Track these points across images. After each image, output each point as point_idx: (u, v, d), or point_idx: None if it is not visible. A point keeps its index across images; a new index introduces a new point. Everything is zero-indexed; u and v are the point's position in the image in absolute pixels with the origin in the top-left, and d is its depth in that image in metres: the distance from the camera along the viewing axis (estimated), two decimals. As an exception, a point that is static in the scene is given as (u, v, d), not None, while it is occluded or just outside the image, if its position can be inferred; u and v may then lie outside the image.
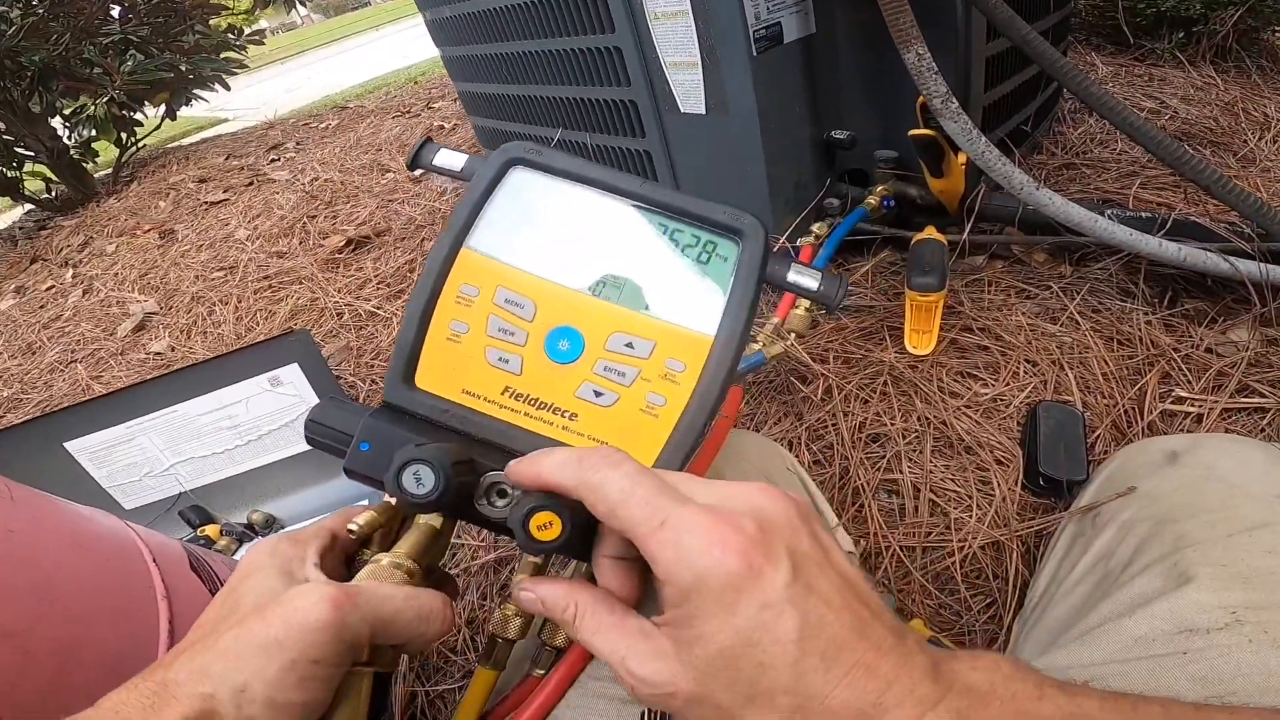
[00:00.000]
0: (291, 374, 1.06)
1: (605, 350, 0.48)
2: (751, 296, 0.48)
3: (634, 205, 0.50)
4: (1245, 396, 0.88)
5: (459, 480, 0.41)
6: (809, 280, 0.52)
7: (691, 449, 0.47)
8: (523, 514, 0.39)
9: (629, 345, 0.48)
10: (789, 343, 0.87)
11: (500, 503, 0.45)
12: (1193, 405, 0.88)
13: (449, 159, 0.56)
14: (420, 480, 0.40)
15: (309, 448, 0.48)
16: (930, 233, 1.05)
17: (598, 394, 0.48)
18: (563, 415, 0.48)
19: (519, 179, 0.50)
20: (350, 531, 0.46)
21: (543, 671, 0.51)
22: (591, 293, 0.49)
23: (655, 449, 0.47)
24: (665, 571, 0.32)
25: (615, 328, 0.48)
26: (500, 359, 0.48)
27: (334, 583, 0.37)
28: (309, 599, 0.35)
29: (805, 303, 0.92)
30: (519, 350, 0.48)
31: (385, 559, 0.43)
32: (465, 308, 0.48)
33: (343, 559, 0.47)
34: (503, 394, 0.48)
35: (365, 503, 0.48)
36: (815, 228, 1.09)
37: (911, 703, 0.29)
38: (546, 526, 0.39)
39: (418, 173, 2.38)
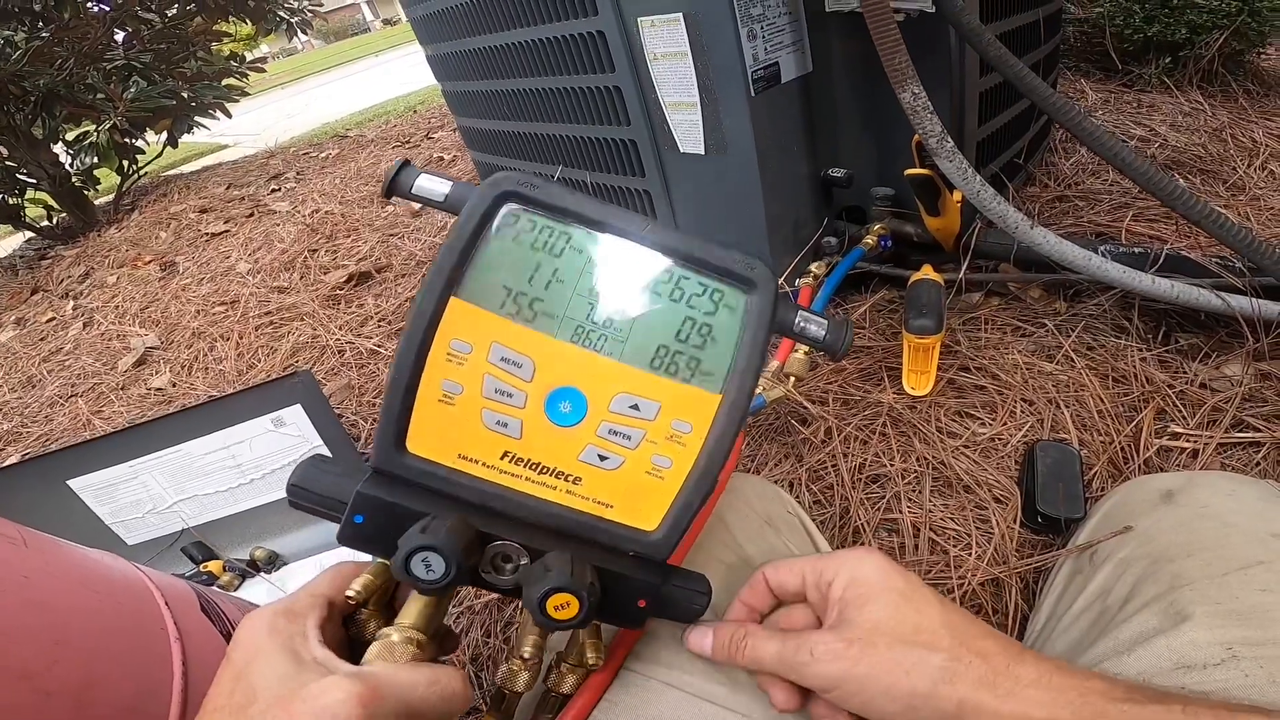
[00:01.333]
0: (294, 415, 1.07)
1: (609, 412, 0.46)
2: (760, 351, 0.46)
3: (638, 249, 0.46)
4: (1240, 431, 0.88)
5: (468, 563, 0.41)
6: (816, 328, 0.50)
7: (697, 510, 0.46)
8: (540, 594, 0.39)
9: (634, 407, 0.46)
10: (788, 386, 0.88)
11: (507, 567, 0.44)
12: (1188, 441, 0.88)
13: (431, 185, 0.49)
14: (430, 567, 0.39)
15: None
16: (927, 272, 1.06)
17: (602, 458, 0.46)
18: (566, 479, 0.46)
19: (512, 217, 0.45)
20: (349, 598, 0.45)
21: (549, 717, 0.51)
22: (593, 348, 0.45)
23: (660, 512, 0.46)
24: (835, 574, 0.47)
25: (619, 388, 0.46)
26: (499, 423, 0.45)
27: (356, 675, 0.37)
28: (334, 697, 0.35)
29: (805, 346, 0.92)
30: (518, 413, 0.45)
31: (395, 635, 0.42)
32: (458, 366, 0.44)
33: (340, 622, 0.46)
34: (502, 459, 0.45)
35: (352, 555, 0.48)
36: (814, 267, 1.10)
37: (1042, 658, 0.41)
38: (564, 607, 0.40)
39: (407, 204, 2.39)
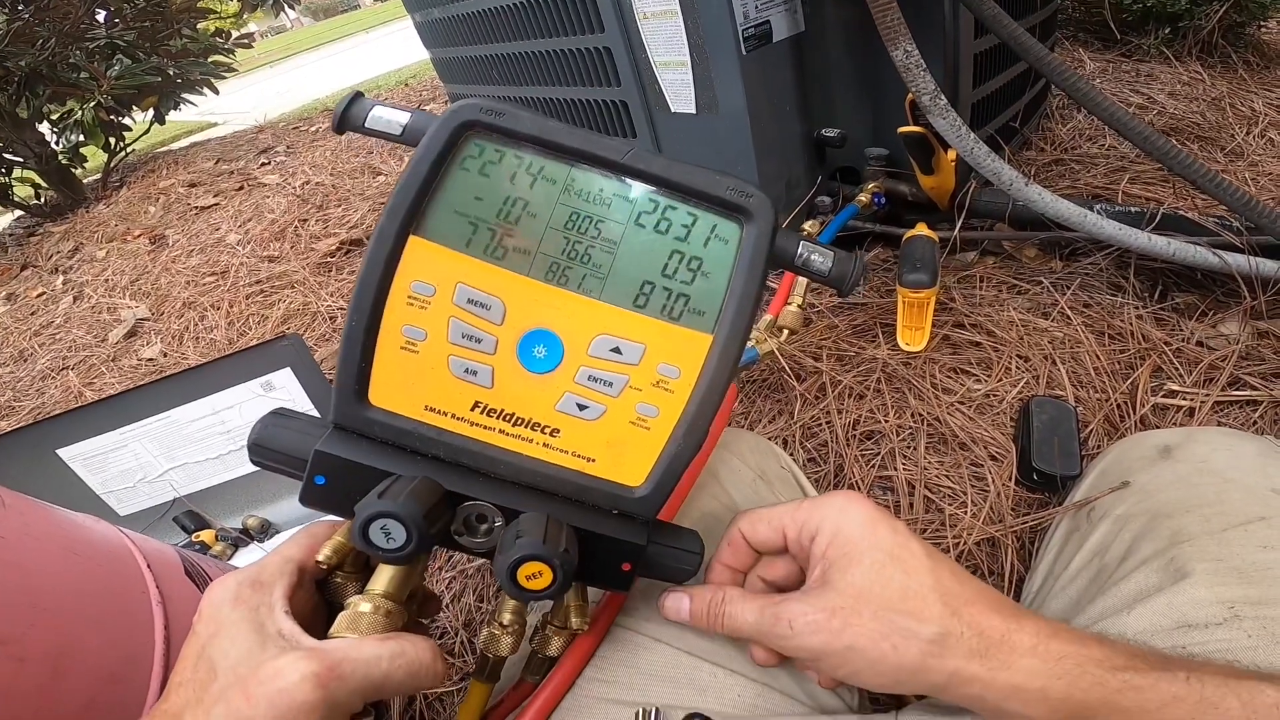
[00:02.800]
0: (284, 379, 1.06)
1: (588, 356, 0.42)
2: (756, 287, 0.42)
3: (617, 179, 0.42)
4: (1236, 389, 0.88)
5: (433, 530, 0.38)
6: (821, 260, 0.45)
7: (687, 463, 0.43)
8: (510, 564, 0.37)
9: (615, 350, 0.42)
10: (782, 339, 0.86)
11: (481, 528, 0.42)
12: (1184, 399, 0.88)
13: (387, 116, 0.44)
14: (390, 535, 0.37)
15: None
16: (921, 229, 1.05)
17: (581, 407, 0.43)
18: (542, 431, 0.42)
19: (476, 147, 0.42)
20: (319, 563, 0.43)
21: (536, 678, 0.50)
22: (569, 287, 0.42)
23: (647, 464, 0.43)
24: (817, 528, 0.43)
25: (599, 329, 0.42)
26: (467, 371, 0.42)
27: (316, 650, 0.36)
28: (291, 678, 0.34)
29: (799, 298, 0.91)
30: (488, 359, 0.42)
31: (364, 604, 0.40)
32: (420, 310, 0.41)
33: (313, 588, 0.44)
34: (472, 410, 0.42)
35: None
36: (807, 226, 1.09)
37: (1040, 622, 0.39)
38: (536, 576, 0.37)
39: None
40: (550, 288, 0.42)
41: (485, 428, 0.42)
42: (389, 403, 0.42)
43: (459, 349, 0.42)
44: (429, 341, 0.41)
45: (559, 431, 0.43)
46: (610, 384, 0.43)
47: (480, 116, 0.41)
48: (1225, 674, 0.36)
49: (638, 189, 0.43)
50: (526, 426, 0.42)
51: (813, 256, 0.45)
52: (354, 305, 0.41)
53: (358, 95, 0.46)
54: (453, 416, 0.42)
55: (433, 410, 0.42)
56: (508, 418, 0.42)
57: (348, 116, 0.45)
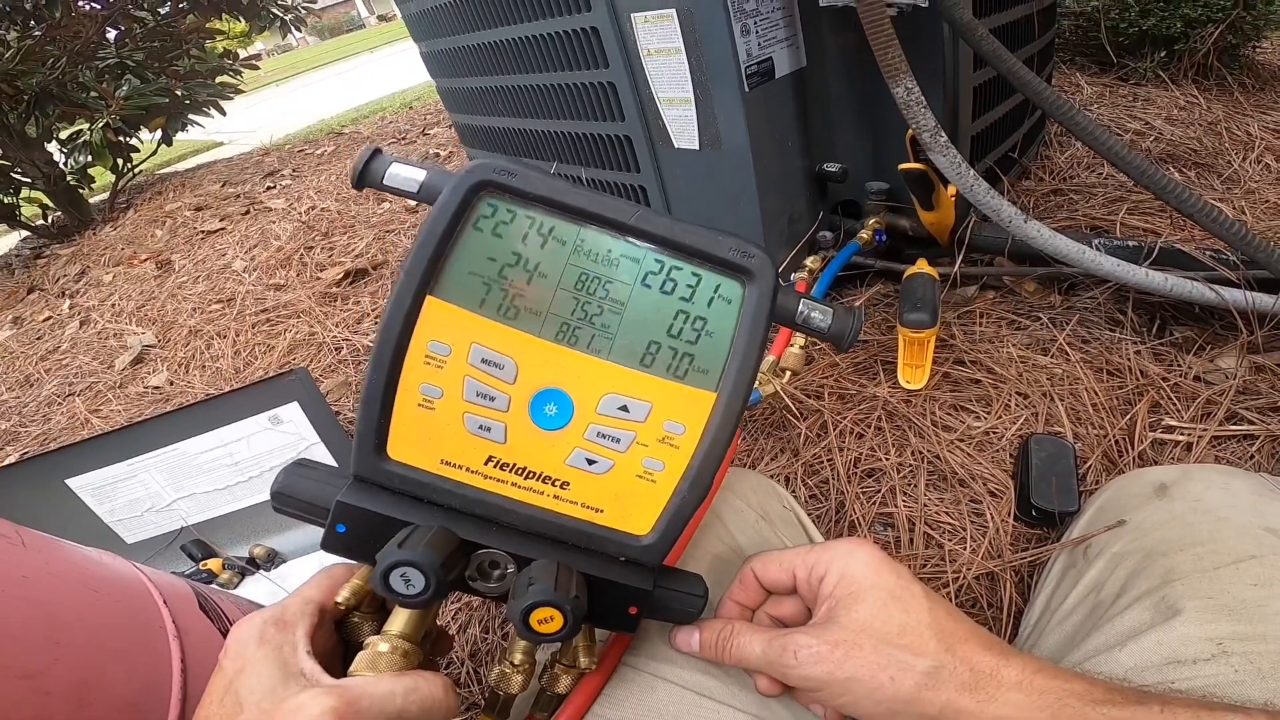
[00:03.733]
0: (291, 412, 1.07)
1: (597, 414, 0.44)
2: (759, 345, 0.44)
3: (624, 239, 0.44)
4: (1234, 424, 0.89)
5: (449, 577, 0.40)
6: (820, 317, 0.47)
7: (691, 513, 0.44)
8: (523, 609, 0.38)
9: (623, 408, 0.44)
10: (784, 380, 0.87)
11: (494, 574, 0.43)
12: (1182, 434, 0.89)
13: (404, 174, 0.46)
14: (410, 582, 0.38)
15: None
16: (921, 266, 1.06)
17: (590, 461, 0.44)
18: (553, 484, 0.44)
19: (489, 207, 0.43)
20: (338, 604, 0.45)
21: (545, 714, 0.50)
22: (579, 347, 0.43)
23: (653, 515, 0.44)
24: (826, 570, 0.46)
25: (607, 388, 0.44)
26: (481, 427, 0.43)
27: (336, 688, 0.38)
28: (312, 712, 0.35)
29: (800, 340, 0.92)
30: (501, 417, 0.43)
31: (382, 645, 0.42)
32: (437, 369, 0.42)
33: (332, 628, 0.46)
34: (486, 464, 0.43)
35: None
36: (809, 261, 1.10)
37: (1028, 659, 0.41)
38: (547, 620, 0.39)
39: (403, 200, 2.38)
40: (560, 348, 0.43)
41: (498, 480, 0.43)
42: (407, 456, 0.43)
43: (473, 406, 0.43)
44: (445, 399, 0.43)
45: (569, 484, 0.44)
46: (618, 440, 0.44)
47: (493, 176, 0.42)
48: (1197, 706, 0.37)
49: (644, 249, 0.44)
50: (538, 480, 0.44)
51: (812, 314, 0.47)
52: (373, 364, 0.42)
53: (376, 152, 0.47)
54: (467, 470, 0.43)
55: (448, 464, 0.43)
56: (520, 471, 0.44)
57: (366, 174, 0.46)
